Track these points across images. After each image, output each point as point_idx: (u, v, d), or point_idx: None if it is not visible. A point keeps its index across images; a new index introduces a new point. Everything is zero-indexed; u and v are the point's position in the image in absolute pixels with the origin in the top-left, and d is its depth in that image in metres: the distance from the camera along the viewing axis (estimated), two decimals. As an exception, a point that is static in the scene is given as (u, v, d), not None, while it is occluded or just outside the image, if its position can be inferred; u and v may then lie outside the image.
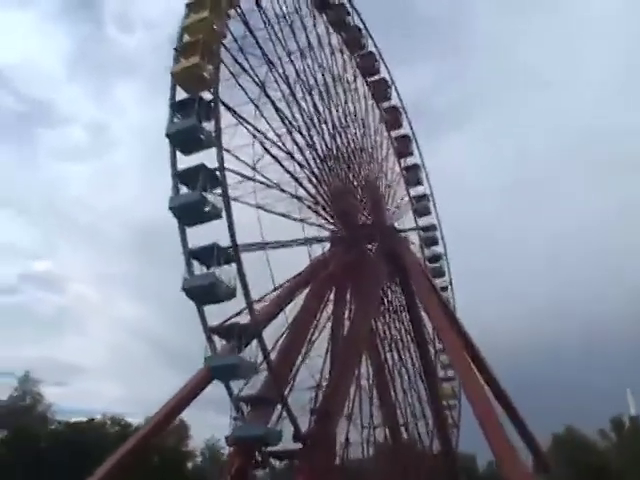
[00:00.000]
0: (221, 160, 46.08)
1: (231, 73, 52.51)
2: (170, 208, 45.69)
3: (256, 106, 55.15)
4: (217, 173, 45.90)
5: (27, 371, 78.58)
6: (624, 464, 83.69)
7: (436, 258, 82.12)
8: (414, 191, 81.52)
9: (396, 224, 73.41)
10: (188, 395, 53.73)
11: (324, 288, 61.59)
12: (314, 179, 62.23)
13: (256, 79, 55.35)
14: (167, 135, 46.83)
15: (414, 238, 79.94)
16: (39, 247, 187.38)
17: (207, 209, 45.85)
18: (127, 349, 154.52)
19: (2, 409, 74.66)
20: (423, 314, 69.97)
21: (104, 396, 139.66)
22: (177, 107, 47.66)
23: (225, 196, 45.81)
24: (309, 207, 61.81)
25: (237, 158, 52.05)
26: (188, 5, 50.83)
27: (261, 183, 54.54)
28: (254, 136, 54.69)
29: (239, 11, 54.05)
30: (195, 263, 46.46)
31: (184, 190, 46.54)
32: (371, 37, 74.65)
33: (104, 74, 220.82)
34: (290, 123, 58.55)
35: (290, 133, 59.30)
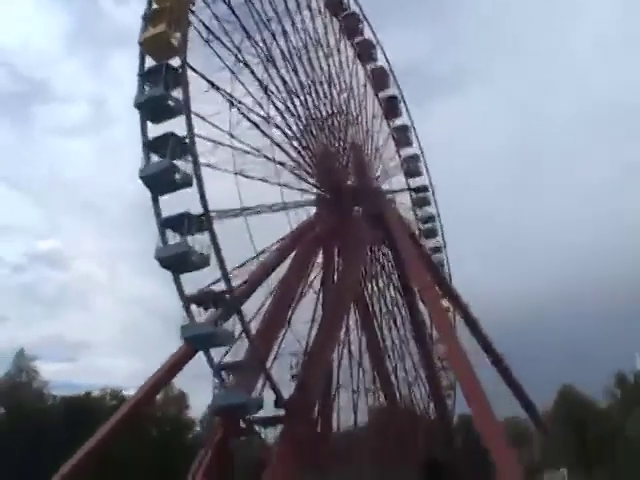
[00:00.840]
0: (190, 127, 45.62)
1: (204, 39, 52.05)
2: (140, 178, 45.45)
3: (232, 71, 54.89)
4: (187, 140, 45.48)
5: (21, 348, 79.12)
6: (625, 419, 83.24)
7: (429, 219, 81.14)
8: (404, 152, 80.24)
9: (385, 186, 72.94)
10: (177, 362, 54.00)
11: (310, 251, 61.66)
12: (296, 143, 61.65)
13: (230, 44, 54.50)
14: (135, 105, 46.34)
15: (406, 199, 79.61)
16: (43, 226, 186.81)
17: (177, 177, 45.53)
18: (138, 325, 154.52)
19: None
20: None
21: (117, 372, 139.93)
22: (146, 76, 47.08)
23: (195, 163, 45.40)
24: (292, 172, 61.28)
25: (212, 125, 51.53)
26: (157, -27, 49.99)
27: (238, 150, 53.88)
28: (230, 102, 54.10)
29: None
30: (171, 233, 46.23)
31: (155, 159, 46.06)
32: (354, -1, 73.02)
33: (101, 48, 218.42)
34: (266, 88, 57.56)
35: (268, 97, 58.73)
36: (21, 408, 71.43)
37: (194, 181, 45.26)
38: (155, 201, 46.04)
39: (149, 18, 48.10)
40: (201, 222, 45.29)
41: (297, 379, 50.78)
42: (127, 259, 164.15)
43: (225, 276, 45.65)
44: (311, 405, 50.52)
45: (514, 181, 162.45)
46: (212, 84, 51.30)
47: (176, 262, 44.88)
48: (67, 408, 74.29)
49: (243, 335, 46.65)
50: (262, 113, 57.47)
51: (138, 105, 46.23)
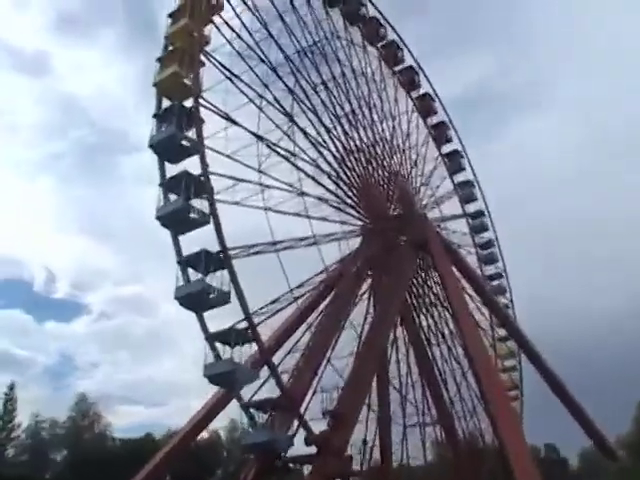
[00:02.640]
0: (204, 165, 45.69)
1: (226, 76, 52.26)
2: (156, 218, 45.67)
3: (257, 107, 54.79)
4: (201, 178, 45.54)
5: (83, 393, 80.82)
6: None
7: (487, 244, 78.65)
8: (457, 178, 78.48)
9: (435, 213, 71.45)
10: (217, 403, 53.44)
11: (354, 284, 60.33)
12: (333, 175, 60.97)
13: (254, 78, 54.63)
14: (149, 146, 46.79)
15: (462, 226, 77.62)
16: (125, 272, 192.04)
17: (193, 216, 45.54)
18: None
19: (62, 430, 77.16)
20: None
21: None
22: (160, 117, 47.53)
23: (211, 201, 45.34)
24: (331, 205, 60.59)
25: (234, 159, 51.60)
26: (170, 15, 50.89)
27: (270, 187, 53.63)
28: (259, 137, 54.02)
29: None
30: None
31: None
32: (390, 26, 72.38)
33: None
34: (292, 120, 57.11)
35: (302, 130, 58.41)
36: (82, 451, 72.68)
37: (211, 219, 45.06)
38: (175, 240, 46.07)
39: (163, 59, 48.76)
40: (220, 259, 44.98)
41: (328, 415, 49.12)
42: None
43: (245, 312, 44.94)
44: (344, 441, 48.70)
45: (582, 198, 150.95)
46: (231, 121, 50.95)
47: (194, 301, 44.60)
48: (126, 450, 75.05)
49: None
50: (291, 147, 56.56)
51: (152, 146, 46.61)
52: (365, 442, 56.83)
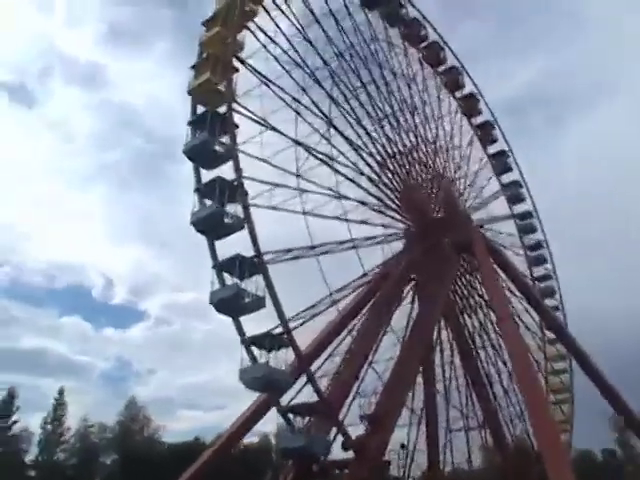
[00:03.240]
0: (237, 170, 46.01)
1: (263, 82, 52.45)
2: (191, 223, 45.97)
3: (296, 111, 54.93)
4: (235, 184, 45.81)
5: (132, 396, 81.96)
6: None
7: (536, 246, 77.18)
8: (504, 179, 77.23)
9: (480, 214, 70.38)
10: (259, 407, 53.21)
11: (397, 287, 59.90)
12: (375, 177, 60.73)
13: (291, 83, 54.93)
14: (184, 152, 47.18)
15: (510, 227, 76.35)
16: (181, 279, 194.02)
17: (227, 220, 45.75)
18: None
19: (111, 434, 78.38)
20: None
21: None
22: (194, 124, 47.85)
23: (245, 206, 45.56)
24: (372, 208, 60.37)
25: (271, 165, 51.95)
26: (204, 23, 51.38)
27: (308, 191, 53.77)
28: (296, 142, 54.11)
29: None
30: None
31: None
32: (431, 26, 71.73)
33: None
34: (331, 123, 56.99)
35: (341, 133, 58.35)
36: (132, 454, 73.55)
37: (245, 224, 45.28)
38: (211, 246, 46.28)
39: (197, 67, 49.20)
40: (254, 264, 45.10)
41: (365, 420, 48.73)
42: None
43: (281, 316, 44.87)
44: (382, 445, 48.19)
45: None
46: (267, 125, 51.07)
47: (228, 305, 44.73)
48: (175, 454, 75.54)
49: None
50: (329, 150, 56.63)
51: (185, 152, 46.98)
52: (403, 446, 55.88)
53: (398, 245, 62.97)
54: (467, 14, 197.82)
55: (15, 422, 74.65)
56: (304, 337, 54.10)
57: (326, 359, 54.93)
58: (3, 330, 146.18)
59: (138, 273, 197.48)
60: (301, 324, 50.27)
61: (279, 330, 45.42)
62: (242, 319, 44.48)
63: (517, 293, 66.55)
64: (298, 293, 53.99)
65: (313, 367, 53.40)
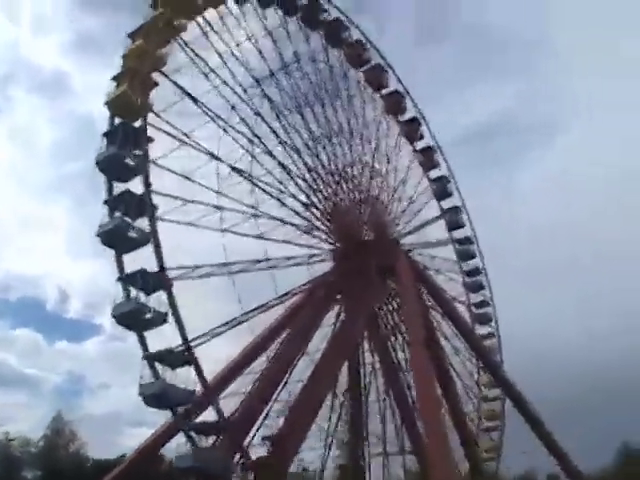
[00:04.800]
0: (146, 184, 45.99)
1: (192, 98, 52.33)
2: (96, 235, 45.70)
3: (221, 126, 54.91)
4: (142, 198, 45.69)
5: (59, 410, 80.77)
6: None
7: (474, 272, 77.25)
8: (445, 204, 77.32)
9: (413, 238, 70.45)
10: (167, 430, 52.23)
11: (319, 307, 59.75)
12: (303, 197, 60.77)
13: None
14: (95, 164, 46.97)
15: (449, 252, 76.40)
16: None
17: (132, 234, 45.50)
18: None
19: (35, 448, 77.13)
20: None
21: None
22: (109, 136, 47.64)
23: (151, 220, 45.36)
24: (301, 229, 60.35)
25: (193, 181, 51.85)
26: (130, 35, 51.25)
27: (217, 207, 53.52)
28: (216, 157, 53.94)
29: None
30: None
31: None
32: (374, 47, 71.82)
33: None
34: (256, 140, 56.91)
35: (268, 151, 58.29)
36: (56, 469, 72.32)
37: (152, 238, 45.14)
38: (118, 258, 46.03)
39: (118, 79, 49.03)
40: (159, 279, 44.87)
41: (268, 441, 48.40)
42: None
43: (182, 332, 44.56)
44: (283, 466, 47.79)
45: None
46: (183, 141, 50.86)
47: (129, 319, 44.56)
48: (100, 470, 74.28)
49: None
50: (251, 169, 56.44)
51: (97, 164, 46.79)
52: (305, 470, 55.42)
53: (323, 267, 62.36)
54: (435, 40, 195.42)
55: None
56: (218, 355, 54.24)
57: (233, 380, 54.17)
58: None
59: (95, 287, 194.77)
60: (202, 342, 48.79)
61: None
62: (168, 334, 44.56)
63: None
64: (215, 311, 53.32)
65: (230, 387, 53.63)
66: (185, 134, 51.32)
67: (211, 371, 51.22)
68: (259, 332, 56.69)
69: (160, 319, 44.80)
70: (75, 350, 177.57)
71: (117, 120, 48.44)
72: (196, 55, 53.21)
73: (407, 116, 75.54)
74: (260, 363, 56.63)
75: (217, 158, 53.84)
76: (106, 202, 46.83)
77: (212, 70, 54.19)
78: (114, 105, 48.07)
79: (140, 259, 46.23)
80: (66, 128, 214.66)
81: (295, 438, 49.06)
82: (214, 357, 53.39)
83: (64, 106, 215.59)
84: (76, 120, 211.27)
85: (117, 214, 46.44)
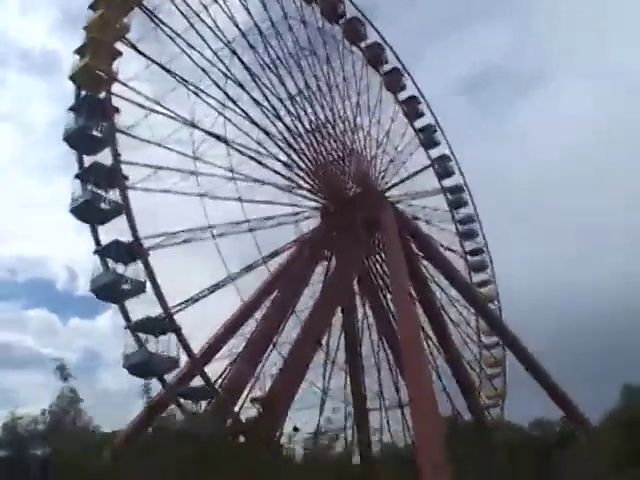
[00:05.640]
0: (115, 155, 45.82)
1: (155, 63, 51.58)
2: (69, 211, 45.67)
3: (193, 91, 54.10)
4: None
5: (63, 387, 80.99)
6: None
7: (467, 220, 76.75)
8: (433, 153, 76.77)
9: (401, 190, 69.98)
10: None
11: (306, 265, 59.68)
12: (283, 156, 60.37)
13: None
14: (64, 139, 46.78)
15: (440, 202, 75.87)
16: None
17: (104, 206, 45.50)
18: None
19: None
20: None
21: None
22: (75, 110, 47.38)
23: (123, 191, 45.34)
24: (283, 189, 60.01)
25: (166, 148, 51.53)
26: (90, 6, 50.58)
27: (190, 172, 53.19)
28: (191, 124, 53.46)
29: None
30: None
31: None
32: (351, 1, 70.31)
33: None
34: (229, 102, 56.32)
35: (242, 109, 57.55)
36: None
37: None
38: (93, 231, 46.17)
39: (80, 51, 48.56)
40: (133, 249, 44.95)
41: (257, 403, 48.66)
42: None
43: (160, 300, 44.74)
44: (273, 428, 47.96)
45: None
46: (150, 108, 50.24)
47: (107, 291, 44.88)
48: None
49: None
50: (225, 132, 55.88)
51: (64, 139, 46.62)
52: (296, 429, 55.45)
53: (308, 225, 62.40)
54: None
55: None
56: (202, 320, 54.32)
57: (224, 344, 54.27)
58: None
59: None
60: (182, 309, 48.60)
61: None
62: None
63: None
64: (201, 277, 53.38)
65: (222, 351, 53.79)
66: (157, 101, 50.71)
67: (200, 337, 51.80)
68: (248, 295, 56.20)
69: (138, 289, 45.08)
70: (88, 327, 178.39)
71: (83, 93, 48.05)
72: (160, 21, 51.99)
73: (388, 67, 74.07)
74: (251, 325, 56.43)
75: (191, 124, 53.15)
76: (77, 176, 46.60)
77: (177, 34, 52.97)
78: (78, 78, 47.78)
79: (118, 230, 46.47)
80: (61, 106, 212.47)
81: (285, 399, 49.20)
82: (203, 322, 53.56)
83: (56, 84, 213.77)
84: (70, 97, 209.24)
85: (89, 187, 46.23)
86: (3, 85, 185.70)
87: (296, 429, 53.82)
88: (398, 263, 55.86)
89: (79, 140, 46.42)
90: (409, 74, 75.46)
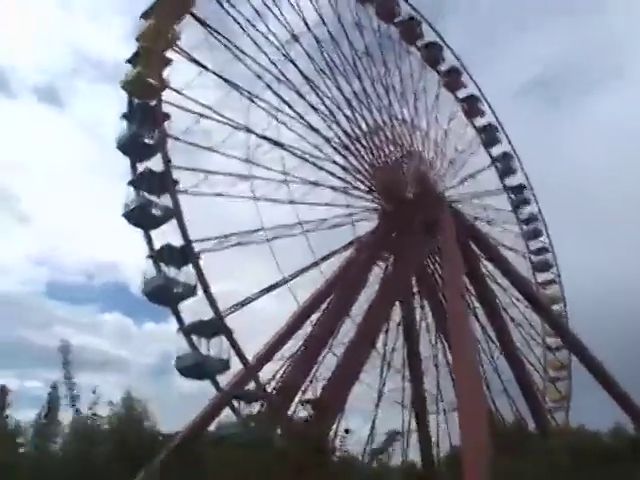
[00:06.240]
0: (166, 162, 46.69)
1: (206, 69, 52.31)
2: (122, 216, 46.67)
3: (248, 98, 54.72)
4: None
5: (128, 390, 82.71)
6: None
7: (530, 219, 75.23)
8: (494, 151, 75.55)
9: (462, 190, 69.04)
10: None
11: (365, 267, 59.38)
12: (340, 159, 60.35)
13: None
14: (116, 147, 47.96)
15: (503, 201, 74.61)
16: (220, 269, 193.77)
17: (156, 212, 46.40)
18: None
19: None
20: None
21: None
22: (128, 118, 48.56)
23: (173, 196, 46.15)
24: (342, 191, 60.10)
25: (219, 153, 52.55)
26: (142, 15, 51.67)
27: (244, 176, 53.46)
28: (247, 129, 54.09)
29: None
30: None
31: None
32: (407, 2, 69.66)
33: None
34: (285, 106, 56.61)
35: (298, 115, 57.88)
36: (128, 446, 74.19)
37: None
38: (147, 236, 47.04)
39: (132, 61, 49.74)
40: (184, 253, 45.69)
41: (308, 405, 48.51)
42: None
43: (212, 302, 45.39)
44: (324, 431, 47.74)
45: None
46: (202, 113, 51.06)
47: (159, 294, 45.62)
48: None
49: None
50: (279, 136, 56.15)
51: (117, 147, 47.80)
52: (347, 431, 54.86)
53: (365, 227, 62.05)
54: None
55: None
56: (256, 323, 54.72)
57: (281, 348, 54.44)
58: (47, 329, 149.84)
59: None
60: (234, 311, 48.80)
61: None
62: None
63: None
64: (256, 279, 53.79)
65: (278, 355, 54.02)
66: (210, 107, 51.51)
67: (254, 339, 52.26)
68: (302, 297, 56.21)
69: (189, 292, 45.71)
70: (162, 330, 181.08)
71: (135, 101, 49.16)
72: (212, 29, 52.67)
73: (446, 66, 73.15)
74: (307, 329, 56.50)
75: (245, 128, 53.69)
76: (130, 182, 47.58)
77: (229, 41, 53.70)
78: (129, 86, 48.89)
79: (172, 235, 47.30)
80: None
81: (337, 402, 49.01)
82: (258, 325, 53.98)
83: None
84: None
85: (141, 193, 47.23)
86: (77, 95, 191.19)
87: (347, 431, 53.50)
88: (453, 264, 55.19)
89: (131, 147, 47.57)
90: (467, 72, 74.29)
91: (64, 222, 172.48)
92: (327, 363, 55.29)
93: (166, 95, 49.00)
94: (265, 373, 51.64)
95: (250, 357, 47.75)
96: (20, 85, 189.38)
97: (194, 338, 45.81)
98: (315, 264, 56.47)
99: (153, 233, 47.26)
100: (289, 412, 48.73)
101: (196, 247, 46.37)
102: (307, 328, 56.44)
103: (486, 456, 39.02)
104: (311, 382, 53.57)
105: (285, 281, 53.70)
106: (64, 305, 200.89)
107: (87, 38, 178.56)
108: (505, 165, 74.92)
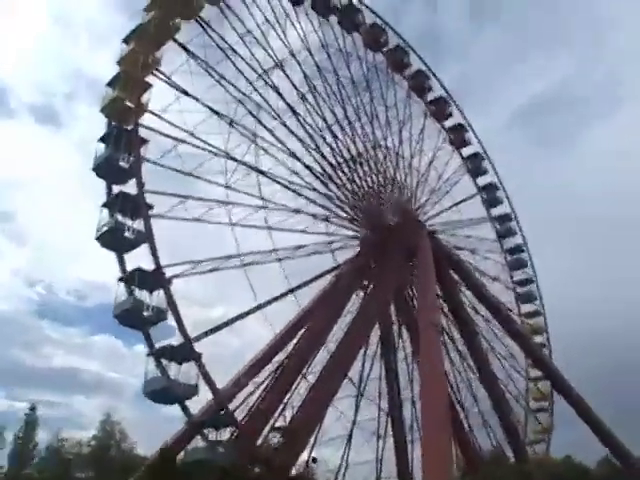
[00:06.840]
0: (139, 185, 46.62)
1: (186, 94, 52.54)
2: (95, 239, 46.65)
3: (228, 122, 54.88)
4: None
5: (107, 413, 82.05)
6: None
7: (515, 250, 75.12)
8: (480, 181, 75.60)
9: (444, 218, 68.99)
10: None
11: (345, 294, 59.27)
12: (321, 187, 60.45)
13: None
14: (92, 169, 48.02)
15: (488, 231, 74.58)
16: (213, 295, 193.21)
17: (128, 235, 46.35)
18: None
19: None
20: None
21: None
22: (104, 141, 48.51)
23: (146, 220, 46.13)
24: (322, 219, 60.14)
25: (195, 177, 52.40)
26: (124, 40, 51.98)
27: (223, 203, 53.65)
28: (226, 154, 54.31)
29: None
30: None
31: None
32: (392, 28, 70.09)
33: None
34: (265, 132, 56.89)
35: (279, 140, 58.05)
36: (107, 470, 73.35)
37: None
38: (119, 259, 47.03)
39: (112, 85, 49.91)
40: (154, 277, 45.67)
41: (278, 432, 48.45)
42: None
43: (181, 328, 45.24)
44: (292, 458, 47.59)
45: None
46: (179, 138, 51.20)
47: (128, 317, 45.51)
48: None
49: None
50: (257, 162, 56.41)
51: (93, 169, 47.84)
52: (315, 460, 54.47)
53: (345, 254, 62.02)
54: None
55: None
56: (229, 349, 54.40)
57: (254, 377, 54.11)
58: (37, 349, 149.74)
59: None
60: (202, 337, 48.56)
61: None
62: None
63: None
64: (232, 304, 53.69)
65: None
66: (191, 132, 51.70)
67: (226, 365, 52.00)
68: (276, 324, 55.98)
69: (159, 316, 45.58)
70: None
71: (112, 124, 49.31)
72: (193, 54, 52.89)
73: (433, 95, 73.42)
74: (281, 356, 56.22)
75: (224, 153, 53.89)
76: (104, 205, 47.59)
77: (210, 66, 53.90)
78: (107, 110, 49.01)
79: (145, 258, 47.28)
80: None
81: (307, 430, 48.84)
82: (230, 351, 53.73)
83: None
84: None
85: (115, 216, 47.24)
86: (75, 116, 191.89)
87: (314, 460, 53.41)
88: (427, 293, 55.09)
89: (106, 170, 47.50)
90: (454, 102, 74.55)
91: (57, 242, 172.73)
92: (300, 391, 54.73)
93: (146, 119, 49.21)
94: (238, 400, 51.20)
95: (221, 384, 47.40)
96: (18, 104, 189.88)
97: (165, 362, 45.64)
98: (291, 291, 56.24)
99: (127, 256, 47.22)
100: (260, 439, 48.46)
101: (168, 272, 46.33)
102: (281, 355, 55.97)
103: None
104: (284, 409, 52.90)
105: (259, 307, 53.58)
106: (55, 326, 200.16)
107: (86, 59, 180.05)
108: (490, 195, 74.92)
